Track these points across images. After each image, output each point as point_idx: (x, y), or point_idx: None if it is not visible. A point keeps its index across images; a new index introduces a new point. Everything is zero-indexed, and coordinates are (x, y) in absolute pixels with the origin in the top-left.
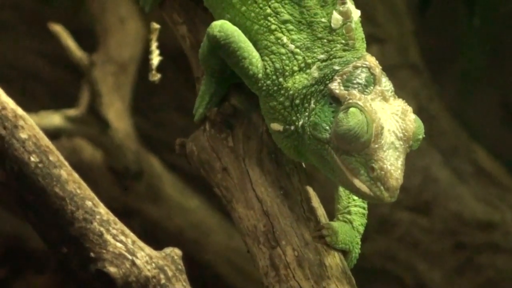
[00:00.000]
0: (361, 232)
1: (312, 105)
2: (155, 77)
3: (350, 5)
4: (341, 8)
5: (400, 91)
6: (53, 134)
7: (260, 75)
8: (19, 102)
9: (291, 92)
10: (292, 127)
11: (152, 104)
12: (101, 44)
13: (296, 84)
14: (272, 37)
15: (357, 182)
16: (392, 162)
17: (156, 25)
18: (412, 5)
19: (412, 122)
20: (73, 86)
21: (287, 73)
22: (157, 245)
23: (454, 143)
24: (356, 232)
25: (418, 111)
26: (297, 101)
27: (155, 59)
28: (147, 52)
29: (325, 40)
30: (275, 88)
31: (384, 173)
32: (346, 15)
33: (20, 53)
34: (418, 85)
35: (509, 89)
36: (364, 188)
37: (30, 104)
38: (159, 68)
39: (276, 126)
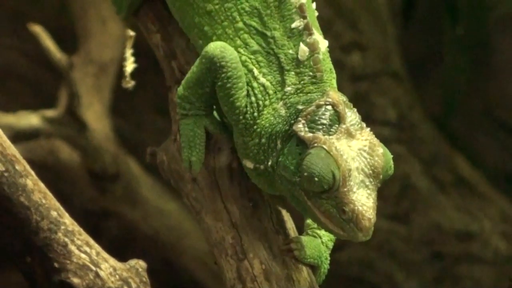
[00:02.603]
0: (330, 248)
1: (279, 145)
2: (129, 84)
3: (318, 36)
4: (308, 40)
5: (381, 98)
6: (31, 134)
7: (242, 109)
8: None
9: (258, 129)
10: (262, 166)
11: (132, 106)
12: (82, 45)
13: (263, 121)
14: (245, 69)
15: (330, 224)
16: (363, 202)
17: (131, 33)
18: (395, 12)
19: (380, 157)
20: (54, 86)
21: (260, 108)
22: (134, 248)
23: (434, 151)
24: (325, 247)
25: (398, 119)
26: (263, 140)
27: (129, 66)
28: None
29: (292, 73)
30: (251, 122)
31: (356, 215)
32: (313, 47)
33: (1, 51)
34: (399, 93)
35: (492, 98)
36: (337, 229)
37: (10, 103)
38: (140, 69)
39: (247, 163)
